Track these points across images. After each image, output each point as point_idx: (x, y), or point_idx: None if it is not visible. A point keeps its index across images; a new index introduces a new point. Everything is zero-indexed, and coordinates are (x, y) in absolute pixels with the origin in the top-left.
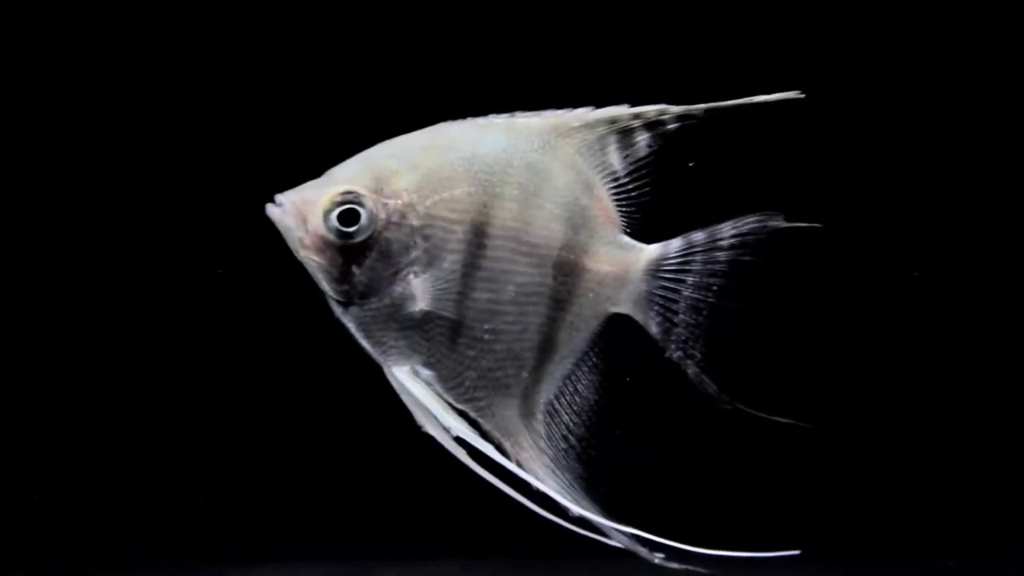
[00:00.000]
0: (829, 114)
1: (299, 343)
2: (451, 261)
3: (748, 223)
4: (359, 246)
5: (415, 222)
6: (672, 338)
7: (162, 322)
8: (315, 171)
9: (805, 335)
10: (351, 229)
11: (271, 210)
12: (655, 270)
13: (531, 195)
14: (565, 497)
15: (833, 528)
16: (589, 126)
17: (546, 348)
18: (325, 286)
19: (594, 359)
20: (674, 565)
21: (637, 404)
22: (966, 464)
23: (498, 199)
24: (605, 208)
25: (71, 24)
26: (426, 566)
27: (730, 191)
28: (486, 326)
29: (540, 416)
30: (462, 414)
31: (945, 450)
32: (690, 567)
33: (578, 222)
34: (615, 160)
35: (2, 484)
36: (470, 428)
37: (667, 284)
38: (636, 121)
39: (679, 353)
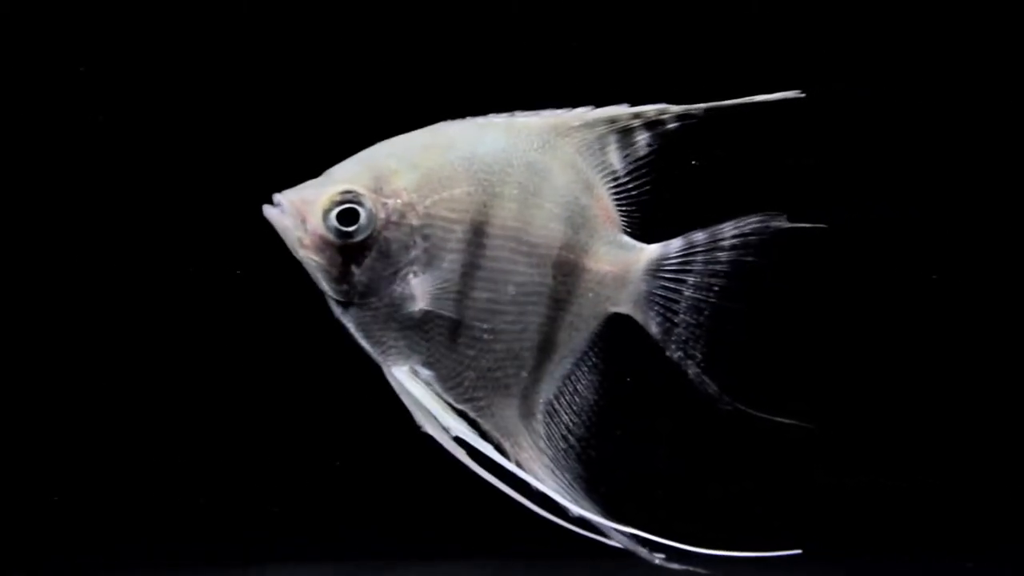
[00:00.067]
0: (829, 114)
1: (299, 343)
2: (451, 261)
3: (750, 223)
4: (358, 246)
5: (415, 222)
6: (672, 338)
7: (162, 322)
8: (314, 171)
9: (805, 336)
10: (350, 229)
11: (268, 211)
12: (655, 270)
13: (531, 195)
14: (565, 497)
15: (833, 528)
16: (589, 125)
17: (546, 348)
18: (324, 286)
19: (594, 359)
20: (675, 565)
21: (637, 404)
22: (966, 464)
23: (498, 199)
24: (605, 208)
25: (71, 24)
26: (426, 566)
27: (730, 191)
28: (486, 326)
29: (540, 416)
30: (461, 414)
31: (945, 450)
32: (690, 568)
33: (578, 222)
34: (615, 160)
35: (2, 484)
36: (469, 428)
37: (668, 284)
38: (636, 120)
39: (679, 353)
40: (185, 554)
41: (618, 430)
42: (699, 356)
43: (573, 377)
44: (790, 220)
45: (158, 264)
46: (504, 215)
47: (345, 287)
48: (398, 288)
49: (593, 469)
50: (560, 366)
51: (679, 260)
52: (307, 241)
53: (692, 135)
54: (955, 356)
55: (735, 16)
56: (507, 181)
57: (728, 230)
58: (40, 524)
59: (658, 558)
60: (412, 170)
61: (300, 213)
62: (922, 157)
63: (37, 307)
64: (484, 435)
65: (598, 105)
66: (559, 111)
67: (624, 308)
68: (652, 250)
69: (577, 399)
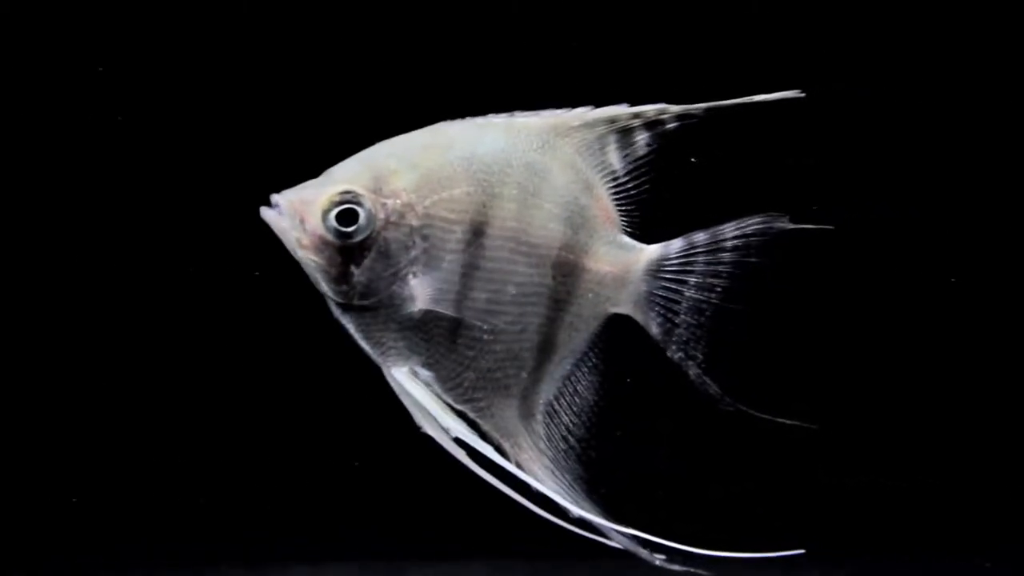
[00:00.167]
0: (829, 114)
1: (298, 343)
2: (450, 261)
3: (752, 224)
4: (358, 246)
5: (414, 222)
6: (673, 339)
7: (162, 322)
8: (314, 171)
9: (805, 336)
10: (350, 229)
11: (265, 212)
12: (656, 270)
13: (530, 195)
14: (565, 498)
15: (833, 529)
16: (588, 126)
17: (545, 348)
18: (323, 286)
19: (594, 360)
20: (675, 567)
21: (637, 405)
22: (966, 464)
23: (497, 199)
24: (605, 208)
25: (71, 24)
26: (426, 567)
27: (729, 191)
28: (485, 326)
29: (540, 417)
30: (461, 415)
31: (945, 450)
32: (691, 568)
33: (577, 222)
34: (615, 160)
35: (2, 484)
36: (469, 429)
37: (668, 285)
38: (635, 120)
39: (680, 354)
40: (185, 554)
41: (618, 431)
42: (700, 357)
43: (573, 378)
44: (791, 220)
45: (158, 264)
46: (503, 215)
47: (344, 288)
48: (397, 289)
49: (593, 470)
50: (560, 367)
51: (680, 261)
52: (306, 241)
53: (692, 135)
54: (955, 356)
55: (735, 16)
56: (507, 181)
57: (729, 231)
58: (40, 524)
59: (659, 559)
60: (411, 170)
61: (299, 213)
62: (922, 157)
63: (37, 307)
64: (484, 436)
65: (598, 105)
66: (559, 111)
67: (624, 309)
68: (652, 250)
69: (577, 400)
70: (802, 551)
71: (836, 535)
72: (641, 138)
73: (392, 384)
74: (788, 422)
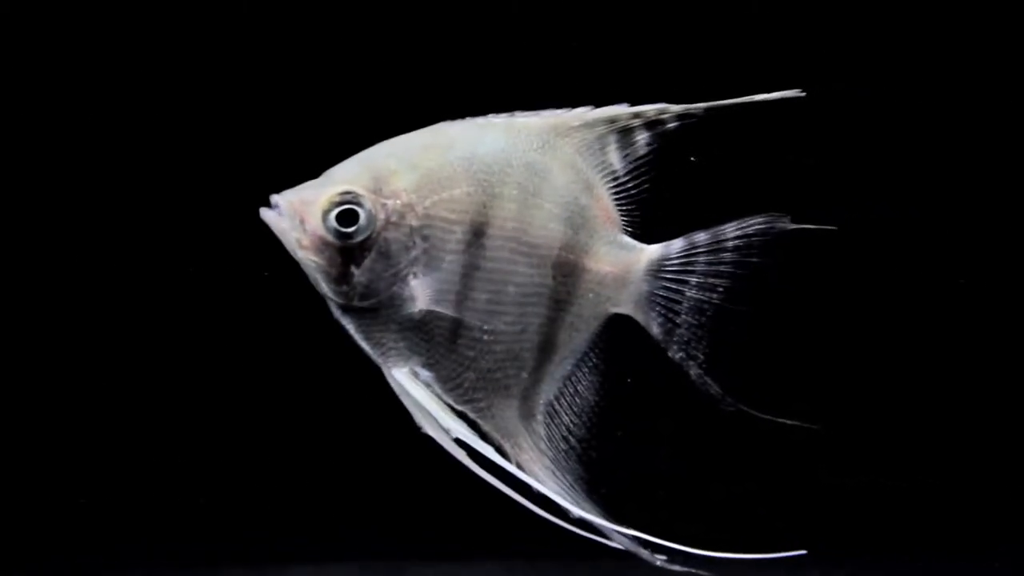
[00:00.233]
0: (829, 114)
1: (299, 344)
2: (450, 261)
3: (753, 224)
4: (358, 247)
5: (414, 222)
6: (674, 339)
7: (162, 322)
8: (313, 171)
9: (806, 336)
10: (350, 230)
11: (265, 213)
12: (656, 270)
13: (530, 195)
14: (566, 498)
15: (833, 529)
16: (588, 125)
17: (546, 349)
18: (323, 287)
19: (595, 360)
20: (677, 567)
21: (638, 405)
22: (966, 464)
23: (497, 199)
24: (605, 208)
25: (71, 24)
26: (426, 567)
27: (730, 191)
28: (485, 327)
29: (540, 417)
30: (462, 415)
31: (945, 450)
32: (693, 569)
33: (578, 222)
34: (615, 159)
35: (2, 484)
36: (470, 429)
37: (669, 285)
38: (636, 120)
39: (681, 354)
40: (185, 554)
41: (619, 431)
42: (701, 357)
43: (574, 378)
44: (792, 220)
45: (159, 264)
46: (504, 216)
47: (344, 288)
48: (398, 289)
49: (594, 470)
50: (561, 367)
51: (681, 260)
52: (306, 242)
53: (692, 135)
54: (955, 356)
55: (735, 16)
56: (507, 181)
57: (731, 231)
58: (40, 524)
59: (660, 559)
60: (411, 171)
61: (299, 214)
62: (922, 157)
63: (37, 307)
64: (484, 436)
65: (598, 105)
66: (559, 111)
67: (625, 309)
68: (653, 250)
69: (578, 400)
70: (804, 552)
71: (836, 535)
72: (641, 138)
73: (392, 385)
74: (789, 422)
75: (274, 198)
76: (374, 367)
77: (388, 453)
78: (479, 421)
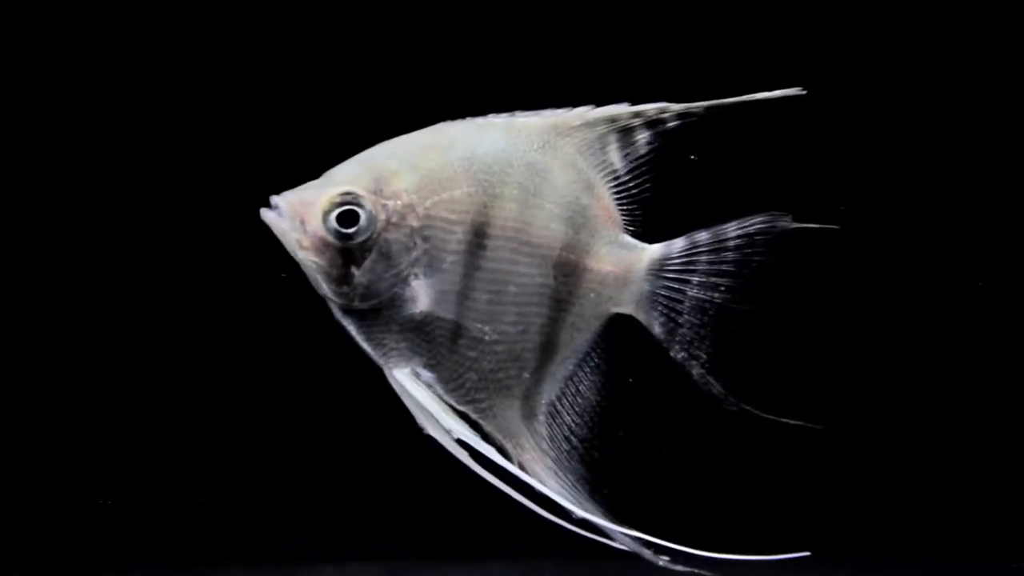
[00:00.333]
0: (829, 114)
1: (300, 344)
2: (451, 262)
3: (755, 223)
4: (359, 247)
5: (415, 223)
6: (676, 339)
7: (162, 323)
8: (314, 172)
9: (808, 335)
10: (350, 230)
11: (265, 214)
12: (658, 270)
13: (531, 195)
14: (568, 499)
15: (833, 529)
16: (589, 125)
17: (547, 349)
18: (324, 288)
19: (596, 360)
20: (679, 567)
21: (640, 405)
22: (966, 464)
23: (498, 199)
24: (606, 207)
25: (71, 24)
26: (427, 568)
27: (731, 189)
28: (487, 327)
29: (542, 417)
30: (463, 416)
31: (945, 450)
32: (695, 569)
33: (579, 222)
34: (616, 159)
35: (2, 484)
36: (471, 430)
37: (671, 284)
38: (636, 119)
39: (683, 354)
40: (185, 554)
41: (621, 431)
42: (703, 357)
43: (575, 378)
44: (793, 219)
45: (160, 265)
46: (504, 216)
47: (345, 289)
48: (399, 290)
49: (596, 470)
50: (562, 367)
51: (682, 260)
52: (307, 243)
53: (693, 133)
54: (955, 356)
55: (735, 15)
56: (507, 182)
57: (732, 230)
58: (40, 524)
59: (662, 560)
60: (412, 171)
61: (299, 215)
62: (922, 157)
63: (37, 307)
64: (486, 437)
65: (598, 104)
66: (559, 111)
67: (626, 308)
68: (654, 250)
69: (580, 400)
70: (807, 553)
71: (836, 535)
72: (642, 137)
73: (394, 385)
74: (792, 422)
75: (274, 199)
76: (375, 368)
77: (390, 454)
78: (481, 422)
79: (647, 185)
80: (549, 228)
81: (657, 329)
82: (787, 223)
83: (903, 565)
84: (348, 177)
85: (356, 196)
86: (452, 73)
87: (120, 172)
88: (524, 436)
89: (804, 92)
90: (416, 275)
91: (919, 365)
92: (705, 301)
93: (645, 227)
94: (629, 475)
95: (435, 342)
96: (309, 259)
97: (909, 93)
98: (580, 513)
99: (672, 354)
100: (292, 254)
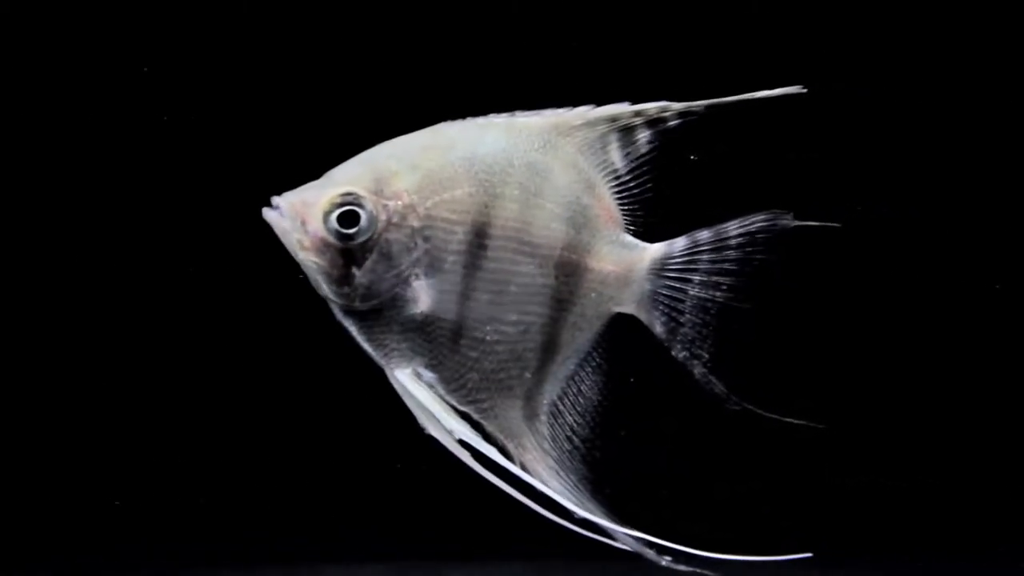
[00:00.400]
0: (830, 112)
1: (301, 345)
2: (452, 262)
3: (756, 221)
4: (359, 248)
5: (415, 223)
6: (678, 338)
7: (163, 323)
8: (314, 172)
9: (810, 334)
10: (351, 231)
11: (267, 213)
12: (659, 269)
13: (532, 195)
14: (570, 499)
15: (833, 529)
16: (590, 124)
17: (549, 349)
18: (325, 289)
19: (598, 359)
20: (682, 568)
21: (642, 405)
22: (966, 464)
23: (499, 199)
24: (607, 207)
25: (71, 24)
26: (428, 568)
27: (732, 188)
28: (488, 327)
29: (544, 417)
30: (465, 416)
31: (945, 450)
32: (698, 569)
33: (580, 221)
34: (617, 158)
35: (3, 484)
36: (473, 430)
37: (672, 283)
38: (637, 119)
39: (685, 353)
40: (185, 554)
41: (623, 431)
42: (705, 356)
43: (577, 378)
44: (795, 217)
45: (161, 265)
46: (505, 216)
47: (346, 290)
48: (400, 290)
49: (598, 470)
50: (564, 367)
51: (684, 259)
52: (307, 243)
53: (693, 132)
54: (955, 356)
55: (735, 14)
56: (508, 182)
57: (733, 228)
58: (40, 524)
59: (665, 560)
60: (413, 171)
61: (300, 215)
62: (922, 157)
63: (38, 307)
64: (488, 437)
65: (599, 104)
66: (560, 110)
67: (628, 308)
68: (656, 249)
69: (581, 400)
70: (809, 555)
71: (836, 535)
72: (643, 136)
73: (395, 386)
74: (795, 421)
75: (275, 200)
76: (377, 368)
77: (391, 454)
78: (482, 422)
79: (648, 184)
80: (550, 228)
81: (659, 329)
82: (789, 221)
83: (903, 565)
84: (349, 177)
85: (357, 196)
86: (452, 73)
87: (121, 173)
88: (526, 436)
89: (804, 90)
90: (417, 275)
91: (916, 365)
92: (707, 300)
93: (646, 226)
94: (631, 475)
95: (436, 342)
96: (310, 260)
97: (909, 91)
98: (582, 513)
99: (674, 353)
100: (293, 255)
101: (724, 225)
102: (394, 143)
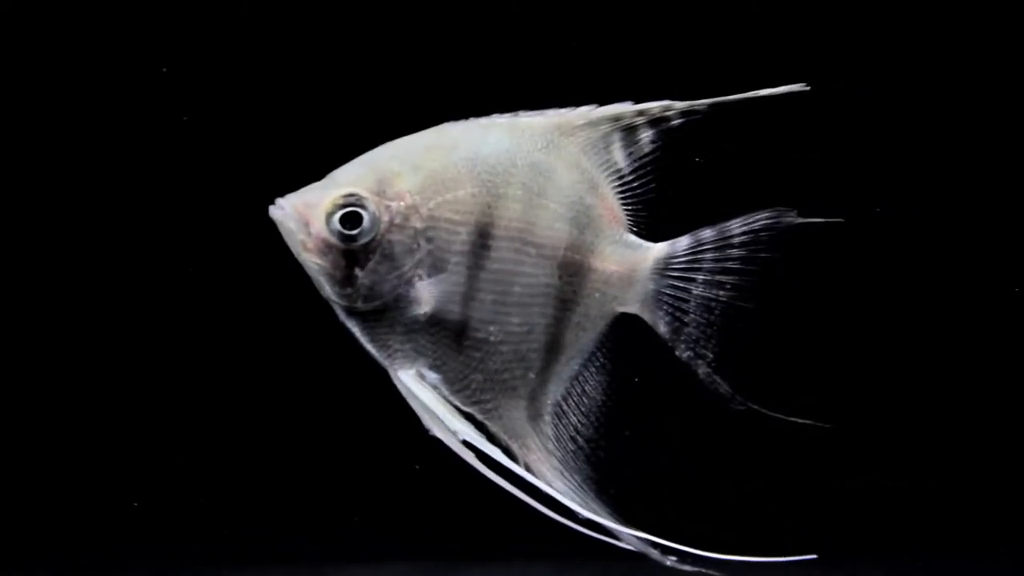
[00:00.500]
0: (833, 110)
1: (305, 345)
2: (455, 263)
3: (760, 219)
4: (362, 249)
5: (418, 224)
6: (682, 338)
7: (164, 323)
8: (317, 173)
9: (814, 333)
10: (354, 232)
11: (273, 211)
12: (663, 269)
13: (535, 195)
14: (574, 499)
15: (833, 529)
16: (593, 124)
17: (553, 349)
18: (328, 290)
19: (602, 359)
20: (687, 568)
21: (646, 405)
22: (966, 464)
23: (502, 200)
24: (610, 207)
25: (71, 24)
26: (429, 568)
27: (735, 187)
28: (492, 328)
29: (548, 418)
30: (469, 417)
31: (945, 450)
32: (702, 569)
33: (583, 221)
34: (619, 158)
35: (3, 484)
36: (477, 431)
37: (676, 283)
38: (640, 118)
39: (689, 353)
40: (185, 554)
41: (627, 431)
42: (710, 356)
43: (581, 378)
44: (799, 215)
45: (162, 266)
46: (509, 216)
47: (349, 291)
48: (403, 291)
49: (602, 470)
50: (568, 367)
51: (687, 258)
52: (310, 245)
53: (696, 131)
54: (955, 356)
55: (736, 13)
56: (511, 182)
57: (737, 227)
58: (40, 524)
59: (670, 560)
60: (415, 172)
61: (303, 216)
62: (922, 157)
63: (38, 307)
64: (492, 438)
65: (601, 103)
66: (563, 110)
67: (632, 308)
68: (659, 249)
69: (585, 400)
70: (814, 556)
71: (836, 535)
72: (646, 136)
73: (399, 387)
74: (800, 421)
75: (279, 201)
76: (380, 369)
77: (395, 455)
78: (486, 422)
79: (651, 184)
80: (553, 228)
81: (663, 328)
82: (792, 218)
83: (903, 565)
84: (351, 179)
85: (359, 198)
86: (455, 74)
87: (123, 174)
88: (530, 436)
89: (807, 88)
90: (420, 276)
91: (916, 365)
92: (711, 299)
93: (650, 226)
94: (635, 475)
95: (440, 343)
96: (312, 261)
97: (910, 91)
98: (586, 514)
99: (678, 353)
100: (296, 255)
101: (727, 223)
102: (396, 144)
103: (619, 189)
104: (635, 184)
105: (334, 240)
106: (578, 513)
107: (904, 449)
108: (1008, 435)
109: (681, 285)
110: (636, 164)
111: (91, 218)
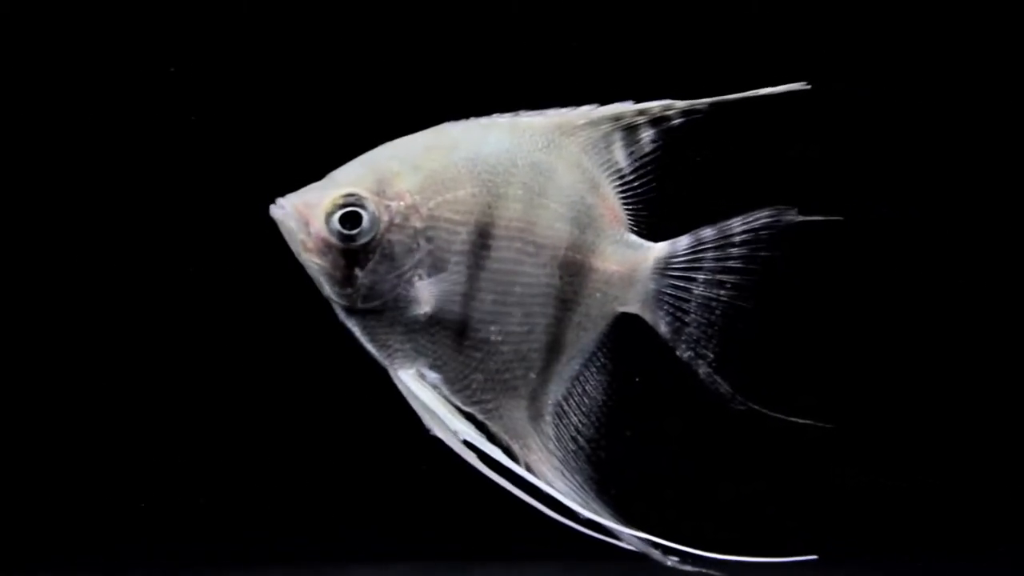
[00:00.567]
0: (833, 109)
1: (305, 345)
2: (456, 263)
3: (760, 218)
4: (362, 249)
5: (418, 224)
6: (683, 338)
7: (164, 323)
8: (317, 173)
9: (815, 332)
10: (353, 232)
11: (274, 211)
12: (664, 268)
13: (536, 195)
14: (575, 499)
15: (833, 529)
16: (593, 124)
17: (553, 349)
18: (327, 290)
19: (602, 359)
20: (687, 568)
21: (647, 405)
22: (966, 464)
23: (502, 199)
24: (611, 207)
25: (71, 24)
26: (430, 568)
27: (736, 186)
28: (492, 328)
29: (548, 418)
30: (470, 417)
31: (945, 450)
32: (703, 570)
33: (584, 221)
34: (620, 157)
35: (3, 484)
36: (477, 431)
37: (677, 283)
38: (641, 118)
39: (690, 353)
40: (185, 554)
41: (628, 431)
42: (710, 355)
43: (582, 378)
44: (799, 214)
45: (162, 266)
46: (509, 216)
47: (349, 291)
48: (403, 291)
49: (603, 470)
50: (568, 367)
51: (688, 258)
52: (310, 245)
53: (697, 131)
54: (955, 356)
55: (737, 13)
56: (511, 182)
57: (737, 226)
58: (40, 524)
59: (671, 560)
60: (415, 172)
61: (303, 216)
62: (922, 157)
63: (38, 307)
64: (492, 438)
65: (602, 103)
66: (563, 110)
67: (632, 308)
68: (660, 248)
69: (586, 400)
70: (814, 557)
71: (836, 535)
72: (646, 135)
73: (399, 386)
74: (800, 421)
75: (279, 201)
76: (381, 369)
77: (395, 455)
78: (487, 422)
79: (652, 183)
80: (554, 228)
81: (663, 328)
82: (793, 217)
83: (903, 565)
84: (351, 178)
85: (359, 197)
86: (455, 73)
87: (123, 174)
88: (531, 436)
89: (808, 87)
90: (420, 276)
91: (916, 365)
92: (711, 299)
93: (650, 225)
94: (636, 475)
95: (440, 343)
96: (312, 260)
97: (910, 90)
98: (587, 514)
99: (679, 353)
100: (296, 255)
101: (728, 222)
102: (396, 144)
103: (620, 189)
104: (636, 184)
105: (334, 240)
106: (579, 513)
107: (904, 449)
108: (1008, 435)
109: (682, 285)
110: (637, 163)
111: (91, 218)
